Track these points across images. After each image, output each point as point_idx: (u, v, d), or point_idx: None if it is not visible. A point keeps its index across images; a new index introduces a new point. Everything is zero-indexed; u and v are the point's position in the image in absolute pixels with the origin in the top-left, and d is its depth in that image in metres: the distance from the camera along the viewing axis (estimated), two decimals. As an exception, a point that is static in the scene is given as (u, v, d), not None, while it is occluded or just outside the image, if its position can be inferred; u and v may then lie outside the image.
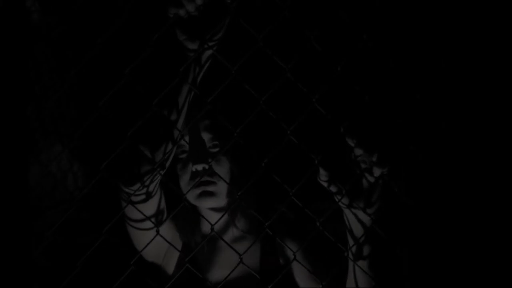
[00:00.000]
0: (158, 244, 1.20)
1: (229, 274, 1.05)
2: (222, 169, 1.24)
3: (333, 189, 1.08)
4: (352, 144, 1.06)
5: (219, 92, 1.00)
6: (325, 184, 1.07)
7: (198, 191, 1.22)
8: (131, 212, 1.18)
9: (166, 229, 1.28)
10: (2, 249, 0.80)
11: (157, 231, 1.02)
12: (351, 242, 1.15)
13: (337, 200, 1.08)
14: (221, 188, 1.24)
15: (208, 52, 1.04)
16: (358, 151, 1.06)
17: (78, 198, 0.96)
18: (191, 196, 1.23)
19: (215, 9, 1.00)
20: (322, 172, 1.05)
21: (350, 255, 1.14)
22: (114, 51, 1.91)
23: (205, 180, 1.22)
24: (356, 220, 1.12)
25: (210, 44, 1.00)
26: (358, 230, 1.13)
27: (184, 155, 1.25)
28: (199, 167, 1.21)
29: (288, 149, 1.10)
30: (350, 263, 1.17)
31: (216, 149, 1.25)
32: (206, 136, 1.25)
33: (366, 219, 1.11)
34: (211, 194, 1.23)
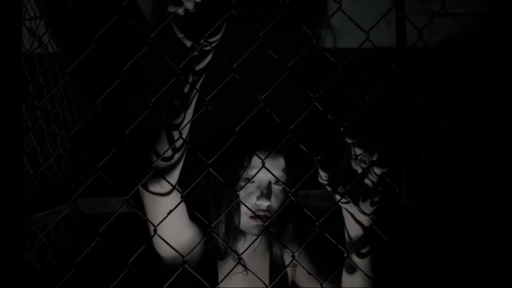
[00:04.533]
0: (179, 239, 1.23)
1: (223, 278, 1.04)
2: (278, 202, 1.31)
3: (333, 189, 1.07)
4: (352, 143, 1.05)
5: (218, 90, 0.98)
6: (325, 184, 1.07)
7: (254, 222, 1.28)
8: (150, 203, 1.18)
9: (186, 230, 1.27)
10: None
11: (155, 231, 1.01)
12: (349, 243, 1.14)
13: (337, 199, 1.07)
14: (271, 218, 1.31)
15: (208, 50, 1.03)
16: (358, 151, 1.05)
17: (73, 199, 0.94)
18: (241, 221, 1.30)
19: (214, 6, 0.98)
20: (321, 172, 1.05)
21: (349, 256, 1.14)
22: (112, 49, 1.89)
23: (264, 215, 1.28)
24: (356, 220, 1.12)
25: (210, 41, 0.99)
26: (357, 230, 1.12)
27: (248, 182, 1.29)
28: (264, 205, 1.27)
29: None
30: (348, 264, 1.17)
31: (280, 185, 1.31)
32: (277, 173, 1.30)
33: (366, 219, 1.10)
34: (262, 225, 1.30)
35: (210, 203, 1.33)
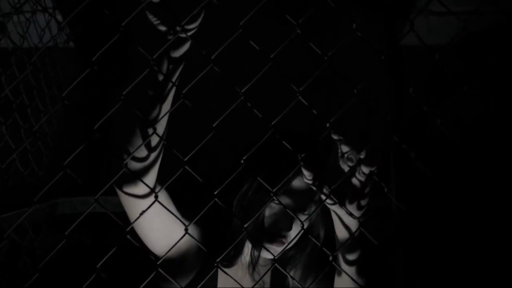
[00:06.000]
0: (169, 235, 1.18)
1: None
2: (296, 230, 1.23)
3: (318, 189, 1.01)
4: (339, 140, 0.99)
5: (194, 82, 0.93)
6: (309, 184, 1.01)
7: (269, 245, 1.22)
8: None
9: (177, 226, 1.19)
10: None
11: (128, 234, 0.95)
12: (338, 245, 1.09)
13: (323, 199, 1.02)
14: (286, 244, 1.24)
15: (185, 38, 0.97)
16: (345, 148, 0.99)
17: (37, 197, 0.88)
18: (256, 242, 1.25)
19: None
20: (305, 171, 0.99)
21: (337, 259, 1.09)
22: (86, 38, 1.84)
23: (280, 240, 1.22)
24: (344, 222, 1.06)
25: (187, 28, 0.93)
26: (346, 233, 1.07)
27: (273, 204, 1.23)
28: (283, 230, 1.21)
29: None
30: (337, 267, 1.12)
31: (306, 214, 1.23)
32: (305, 200, 1.23)
33: (354, 222, 1.04)
34: (277, 250, 1.23)
35: (234, 213, 1.28)
